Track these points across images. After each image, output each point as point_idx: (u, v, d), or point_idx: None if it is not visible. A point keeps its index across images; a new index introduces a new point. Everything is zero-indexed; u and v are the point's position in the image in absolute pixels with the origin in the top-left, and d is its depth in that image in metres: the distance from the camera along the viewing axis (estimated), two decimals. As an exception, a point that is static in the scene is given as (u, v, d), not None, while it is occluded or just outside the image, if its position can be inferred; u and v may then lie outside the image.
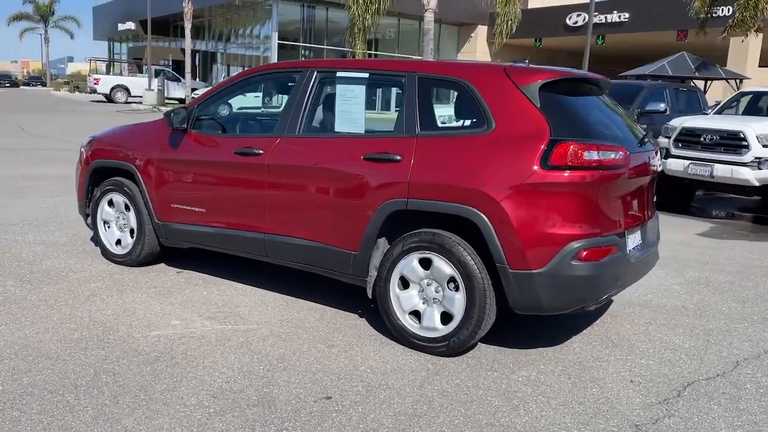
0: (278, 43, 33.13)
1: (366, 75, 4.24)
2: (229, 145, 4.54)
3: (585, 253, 3.48)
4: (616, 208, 3.71)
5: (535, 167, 3.42)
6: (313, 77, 4.32)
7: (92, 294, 4.55)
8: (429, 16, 16.68)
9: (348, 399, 3.21)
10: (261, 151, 4.32)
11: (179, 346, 3.73)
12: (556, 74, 3.73)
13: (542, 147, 3.43)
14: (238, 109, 4.66)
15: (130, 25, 48.45)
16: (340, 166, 4.03)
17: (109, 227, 5.33)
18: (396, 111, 4.30)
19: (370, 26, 16.63)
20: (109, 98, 33.74)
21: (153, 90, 30.60)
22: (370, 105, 4.30)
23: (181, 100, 30.21)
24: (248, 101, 7.76)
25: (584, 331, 4.31)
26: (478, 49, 37.20)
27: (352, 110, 4.17)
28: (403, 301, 3.85)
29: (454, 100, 4.24)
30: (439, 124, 4.11)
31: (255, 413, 3.02)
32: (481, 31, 36.75)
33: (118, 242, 5.28)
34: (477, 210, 3.53)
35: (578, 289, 3.54)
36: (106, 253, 5.35)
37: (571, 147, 3.42)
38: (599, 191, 3.52)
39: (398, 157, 3.80)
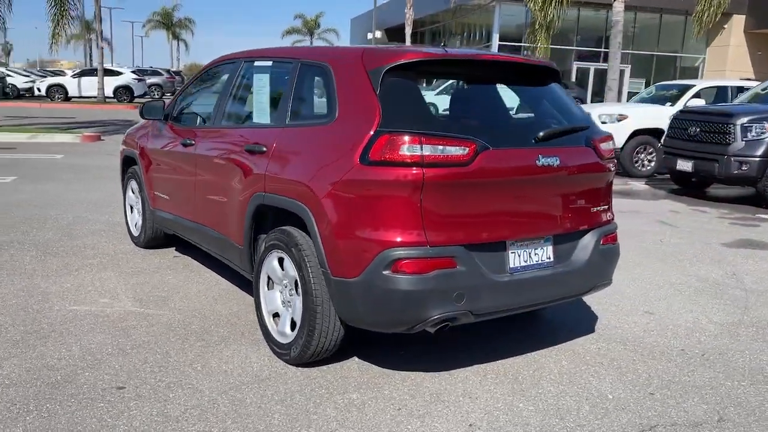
0: (498, 44, 32.77)
1: (270, 63, 4.05)
2: (182, 136, 4.68)
3: (402, 263, 2.91)
4: (463, 214, 3.04)
5: (354, 162, 2.96)
6: (239, 68, 4.26)
7: (75, 269, 5.03)
8: (618, 7, 15.08)
9: (137, 392, 3.11)
10: (193, 142, 4.39)
11: (72, 321, 3.95)
12: (414, 55, 3.17)
13: (366, 139, 2.95)
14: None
15: (377, 34, 51.99)
16: (228, 157, 3.93)
17: (132, 211, 5.83)
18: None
19: (555, 20, 15.58)
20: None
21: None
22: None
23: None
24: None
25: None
26: (732, 42, 32.66)
27: (260, 100, 4.02)
28: (268, 302, 3.62)
29: (320, 87, 3.86)
30: (314, 114, 3.75)
31: (35, 391, 3.09)
32: (737, 21, 32.18)
33: (136, 225, 5.75)
34: (305, 207, 3.19)
35: (394, 304, 2.98)
36: (130, 235, 5.87)
37: (388, 139, 2.89)
38: (426, 193, 2.90)
39: (264, 149, 3.59)
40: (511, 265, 3.19)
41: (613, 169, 3.60)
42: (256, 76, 4.13)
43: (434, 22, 46.22)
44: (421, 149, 2.86)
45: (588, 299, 4.68)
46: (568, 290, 3.45)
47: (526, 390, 3.29)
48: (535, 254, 3.28)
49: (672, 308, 4.64)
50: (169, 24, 67.85)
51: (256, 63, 4.16)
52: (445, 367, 3.51)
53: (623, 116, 11.88)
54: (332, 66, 3.36)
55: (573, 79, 32.69)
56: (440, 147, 2.89)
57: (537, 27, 15.84)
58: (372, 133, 2.94)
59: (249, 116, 4.10)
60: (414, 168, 2.86)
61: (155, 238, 5.52)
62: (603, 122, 11.83)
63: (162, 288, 4.65)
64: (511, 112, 3.72)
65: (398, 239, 2.91)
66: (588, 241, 3.46)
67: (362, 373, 3.41)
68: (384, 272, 2.91)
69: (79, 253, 5.45)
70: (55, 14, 15.36)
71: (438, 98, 26.91)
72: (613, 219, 3.70)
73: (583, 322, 4.27)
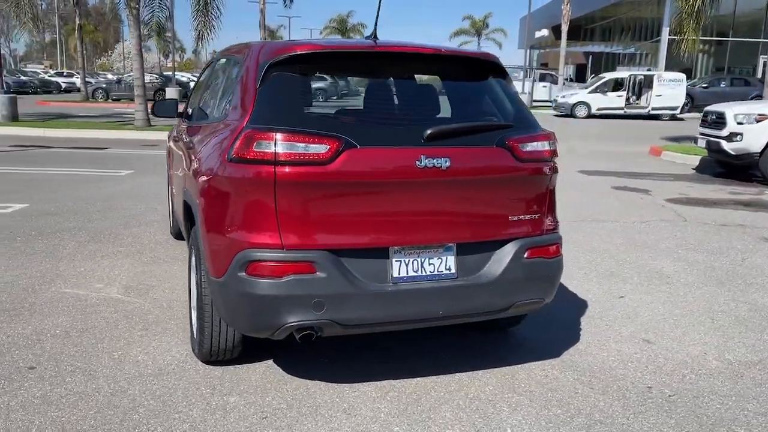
0: (668, 39, 30.22)
1: (224, 60, 4.04)
2: (182, 133, 4.84)
3: (256, 266, 2.76)
4: (327, 217, 2.80)
5: (223, 159, 2.87)
6: (215, 64, 4.33)
7: (101, 255, 5.42)
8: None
9: (41, 374, 3.27)
10: (186, 139, 4.53)
11: (52, 303, 4.26)
12: (300, 48, 2.98)
13: (234, 136, 2.84)
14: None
15: (544, 32, 50.34)
16: (185, 154, 3.96)
17: (169, 203, 6.19)
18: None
19: (702, 10, 13.90)
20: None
21: (525, 93, 31.35)
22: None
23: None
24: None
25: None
26: None
27: (212, 96, 4.04)
28: (192, 297, 3.63)
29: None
30: (224, 109, 3.63)
31: (-37, 363, 3.37)
32: None
33: (170, 216, 6.09)
34: (195, 205, 3.17)
35: (250, 308, 2.82)
36: (169, 226, 6.23)
37: (246, 136, 2.76)
38: (281, 193, 2.72)
39: (191, 146, 3.62)
40: (395, 275, 2.90)
41: (548, 172, 3.13)
42: (215, 73, 4.17)
43: (604, 18, 43.80)
44: (275, 146, 2.69)
45: (589, 319, 4.16)
46: (474, 307, 3.04)
47: (415, 414, 2.98)
48: (430, 264, 2.95)
49: (683, 338, 3.95)
50: (344, 30, 71.02)
51: (220, 60, 4.19)
52: (356, 379, 3.29)
53: (763, 116, 10.33)
54: (243, 61, 3.28)
55: (759, 74, 29.32)
56: (296, 144, 2.70)
57: (684, 17, 14.28)
58: (240, 129, 2.83)
59: (208, 113, 4.15)
60: (266, 166, 2.70)
61: (179, 232, 5.80)
62: (739, 123, 10.41)
63: (157, 278, 4.86)
64: (423, 108, 3.36)
65: (255, 241, 2.77)
66: (505, 253, 3.04)
67: (262, 376, 3.30)
68: (239, 274, 2.79)
69: (117, 241, 5.88)
70: (198, 25, 16.77)
71: (591, 96, 25.60)
72: (552, 229, 3.22)
73: (555, 345, 3.78)
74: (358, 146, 2.76)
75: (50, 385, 3.15)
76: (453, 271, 2.98)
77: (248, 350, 3.42)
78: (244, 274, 2.77)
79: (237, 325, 3.00)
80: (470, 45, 72.37)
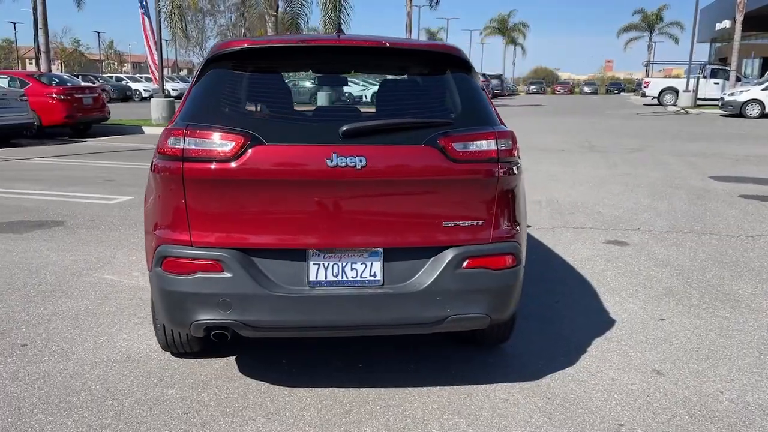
0: None
1: None
2: None
3: (168, 262, 2.76)
4: (237, 215, 2.71)
5: (155, 154, 2.91)
6: None
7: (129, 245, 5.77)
8: None
9: (26, 352, 3.54)
10: None
11: (86, 288, 4.61)
12: (235, 44, 2.93)
13: (165, 133, 2.87)
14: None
15: (726, 24, 45.82)
16: None
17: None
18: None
19: None
20: (660, 101, 33.34)
21: (689, 91, 28.68)
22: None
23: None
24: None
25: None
26: None
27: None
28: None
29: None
30: None
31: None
32: None
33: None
34: None
35: (165, 303, 2.83)
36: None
37: (164, 131, 2.77)
38: (189, 189, 2.68)
39: None
40: (312, 278, 2.76)
41: (495, 174, 2.79)
42: None
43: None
44: (184, 142, 2.68)
45: (602, 342, 3.71)
46: (401, 317, 2.80)
47: (335, 426, 2.82)
48: (353, 269, 2.77)
49: (706, 373, 3.37)
50: (504, 29, 69.92)
51: None
52: (303, 384, 3.20)
53: None
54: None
55: None
56: (202, 140, 2.66)
57: None
58: (170, 125, 2.86)
59: None
60: (176, 162, 2.70)
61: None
62: None
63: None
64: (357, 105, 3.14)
65: (169, 237, 2.78)
66: (439, 262, 2.77)
67: (214, 372, 3.31)
68: (157, 269, 2.82)
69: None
70: (326, 22, 17.33)
71: (766, 93, 22.71)
72: (504, 237, 2.86)
73: (544, 367, 3.39)
74: (266, 143, 2.66)
75: (27, 363, 3.40)
76: (378, 277, 2.78)
77: (220, 346, 3.45)
78: (160, 269, 2.80)
79: (160, 318, 3.04)
80: (641, 41, 67.90)
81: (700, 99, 30.12)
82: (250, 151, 2.65)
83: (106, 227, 6.40)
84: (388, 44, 2.97)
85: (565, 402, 3.05)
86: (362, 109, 3.38)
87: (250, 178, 2.67)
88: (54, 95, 15.14)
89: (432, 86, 3.02)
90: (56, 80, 16.88)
